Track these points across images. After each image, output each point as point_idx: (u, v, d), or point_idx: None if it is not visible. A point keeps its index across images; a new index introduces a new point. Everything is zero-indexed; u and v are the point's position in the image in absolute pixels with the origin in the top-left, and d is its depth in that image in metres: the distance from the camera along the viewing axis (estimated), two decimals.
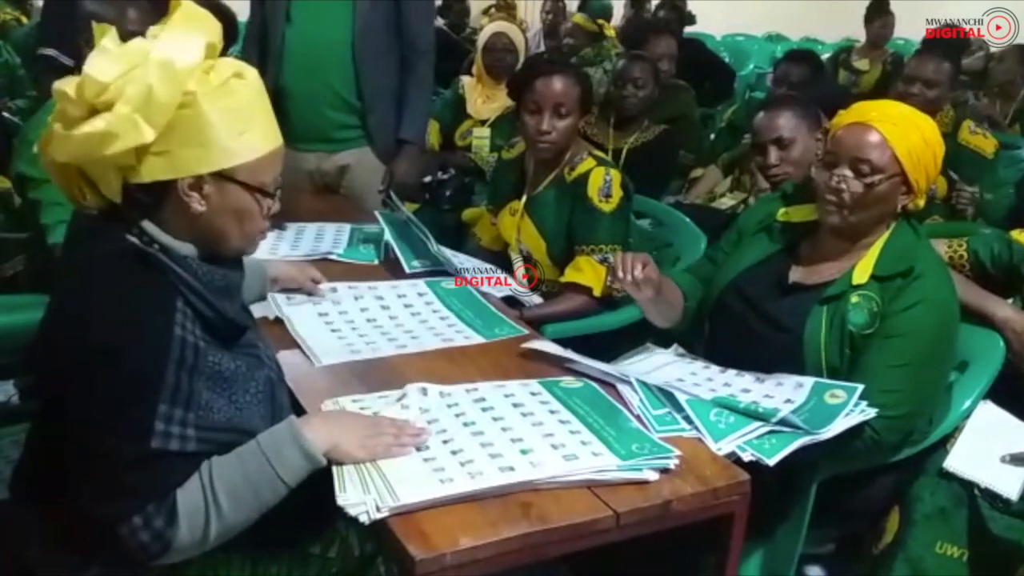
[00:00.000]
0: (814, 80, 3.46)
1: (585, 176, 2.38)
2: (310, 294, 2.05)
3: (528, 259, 2.52)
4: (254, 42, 2.91)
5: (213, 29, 1.29)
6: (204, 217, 1.30)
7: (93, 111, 1.22)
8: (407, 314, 2.04)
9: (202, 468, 1.27)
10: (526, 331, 1.95)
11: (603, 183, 2.36)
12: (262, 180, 1.33)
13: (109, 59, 1.23)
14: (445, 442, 1.45)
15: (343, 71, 2.81)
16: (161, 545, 1.22)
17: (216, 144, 1.26)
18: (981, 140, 3.37)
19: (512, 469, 1.38)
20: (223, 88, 1.27)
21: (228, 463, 1.28)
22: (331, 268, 2.25)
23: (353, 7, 2.76)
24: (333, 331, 1.92)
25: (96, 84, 1.21)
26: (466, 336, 1.92)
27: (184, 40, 1.25)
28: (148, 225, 1.29)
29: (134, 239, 1.27)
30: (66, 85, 1.23)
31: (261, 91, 1.33)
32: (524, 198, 2.51)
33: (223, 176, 1.28)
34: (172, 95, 1.21)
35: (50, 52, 2.82)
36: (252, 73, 1.32)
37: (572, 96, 2.37)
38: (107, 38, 1.26)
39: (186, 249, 1.31)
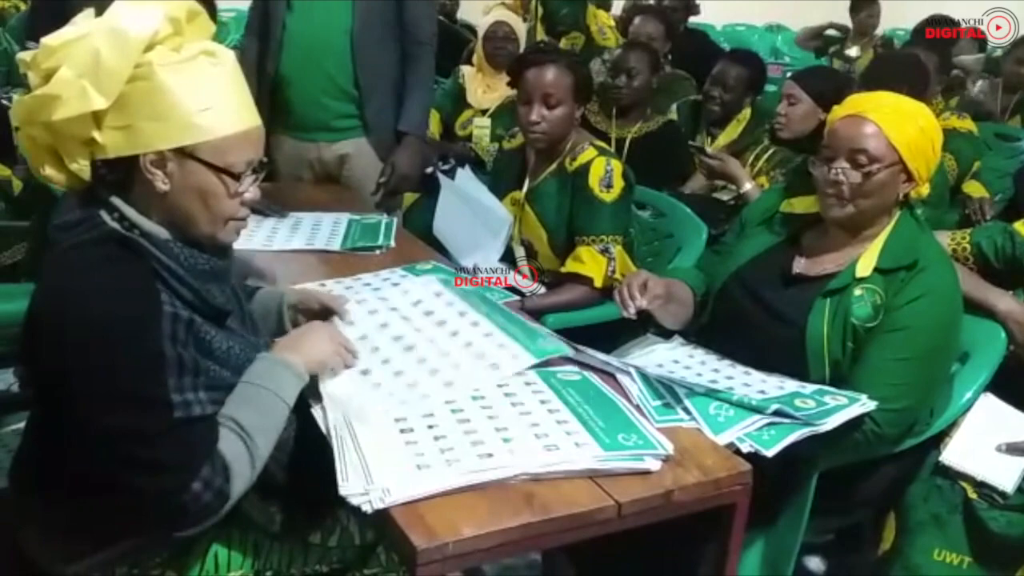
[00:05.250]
0: (752, 83, 3.42)
1: (586, 166, 2.37)
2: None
3: (529, 250, 2.52)
4: (255, 30, 2.90)
5: (181, 6, 1.28)
6: (169, 197, 1.28)
7: (47, 78, 1.22)
8: (431, 324, 1.76)
9: (223, 420, 1.29)
10: (569, 351, 1.71)
11: (604, 173, 2.35)
12: (228, 160, 1.29)
13: (67, 29, 1.24)
14: (430, 427, 1.45)
15: (341, 61, 2.79)
16: (221, 501, 1.25)
17: (175, 119, 1.24)
18: (957, 121, 3.44)
19: (491, 456, 1.37)
20: (187, 63, 1.25)
21: (239, 406, 1.32)
22: (331, 260, 2.25)
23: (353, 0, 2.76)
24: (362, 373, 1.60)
25: (45, 49, 1.23)
26: (514, 355, 1.66)
27: (141, 11, 1.24)
28: (124, 206, 1.28)
29: (115, 224, 1.27)
30: (27, 54, 1.25)
31: (235, 73, 1.32)
32: (525, 188, 2.50)
33: (184, 153, 1.26)
34: (122, 63, 1.21)
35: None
36: (227, 55, 1.31)
37: (563, 86, 2.36)
38: (83, 14, 1.27)
39: (162, 233, 1.30)
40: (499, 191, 2.58)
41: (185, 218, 1.31)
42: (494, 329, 1.74)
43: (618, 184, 2.36)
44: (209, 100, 1.26)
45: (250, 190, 1.35)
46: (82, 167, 1.27)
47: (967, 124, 3.46)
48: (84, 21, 1.26)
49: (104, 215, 1.28)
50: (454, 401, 1.54)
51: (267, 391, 1.34)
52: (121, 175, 1.27)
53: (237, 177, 1.31)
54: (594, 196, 2.35)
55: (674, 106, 3.70)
